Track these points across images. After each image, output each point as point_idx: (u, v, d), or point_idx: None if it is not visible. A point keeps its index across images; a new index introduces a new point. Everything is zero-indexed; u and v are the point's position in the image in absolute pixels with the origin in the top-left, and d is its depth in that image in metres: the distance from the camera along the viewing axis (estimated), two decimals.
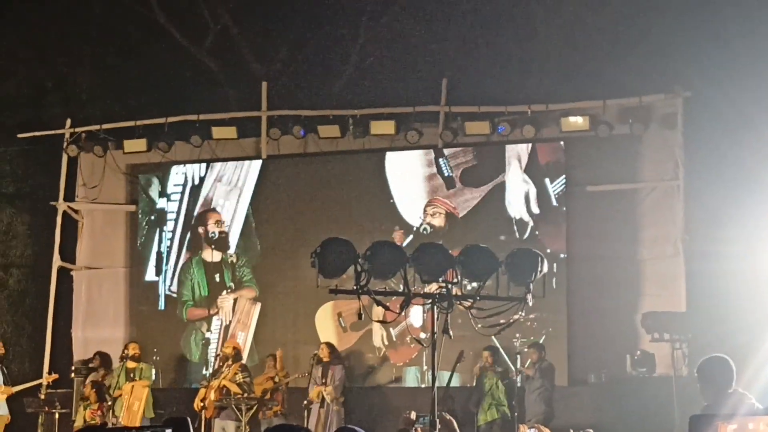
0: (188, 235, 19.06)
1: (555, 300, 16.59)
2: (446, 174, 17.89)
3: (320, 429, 16.18)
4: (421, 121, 18.10)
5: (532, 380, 15.97)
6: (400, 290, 8.90)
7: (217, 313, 18.76)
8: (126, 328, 19.25)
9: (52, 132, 19.68)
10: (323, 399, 16.23)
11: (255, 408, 16.23)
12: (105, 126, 19.22)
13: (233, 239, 18.84)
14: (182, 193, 19.11)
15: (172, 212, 19.17)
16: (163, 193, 19.21)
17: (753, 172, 15.72)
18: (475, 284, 9.15)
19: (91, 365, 17.68)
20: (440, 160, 17.92)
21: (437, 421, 8.64)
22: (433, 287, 8.91)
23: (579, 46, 20.67)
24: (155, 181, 19.27)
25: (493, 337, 16.31)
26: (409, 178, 18.13)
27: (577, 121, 17.27)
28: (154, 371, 17.96)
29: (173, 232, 19.11)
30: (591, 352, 16.90)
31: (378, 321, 9.48)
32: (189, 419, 4.88)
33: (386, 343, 17.75)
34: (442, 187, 17.90)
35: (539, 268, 8.87)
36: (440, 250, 9.00)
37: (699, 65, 17.50)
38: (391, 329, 17.62)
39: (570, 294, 17.05)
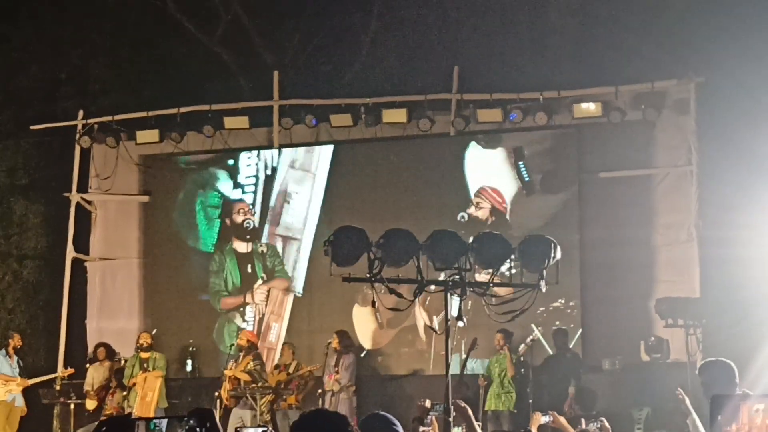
0: (266, 225, 18.97)
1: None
2: (526, 179, 17.74)
3: None
4: (433, 109, 18.09)
5: (555, 367, 16.04)
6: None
7: (250, 303, 18.73)
8: (140, 319, 19.29)
9: (65, 123, 19.73)
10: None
11: (269, 398, 16.29)
12: (117, 117, 19.26)
13: (310, 226, 18.69)
14: (255, 184, 19.08)
15: (241, 201, 19.17)
16: (236, 185, 19.18)
17: (766, 157, 15.67)
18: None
19: (97, 355, 17.81)
20: (519, 163, 17.74)
21: (451, 408, 8.63)
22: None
23: (591, 32, 20.59)
24: (224, 174, 19.24)
25: (532, 324, 16.46)
26: (488, 177, 17.99)
27: (590, 108, 17.24)
28: (187, 362, 18.12)
29: (252, 222, 19.07)
30: (605, 338, 16.91)
31: (391, 309, 9.48)
32: (214, 410, 4.89)
33: (439, 333, 17.63)
34: (522, 193, 17.73)
35: (552, 255, 8.85)
36: (453, 237, 8.98)
37: (712, 50, 17.43)
38: (434, 317, 17.44)
39: (583, 280, 17.04)
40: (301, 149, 18.94)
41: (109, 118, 19.29)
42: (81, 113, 19.47)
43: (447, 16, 22.12)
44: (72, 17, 22.23)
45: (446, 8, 22.17)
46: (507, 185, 17.81)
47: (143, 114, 19.07)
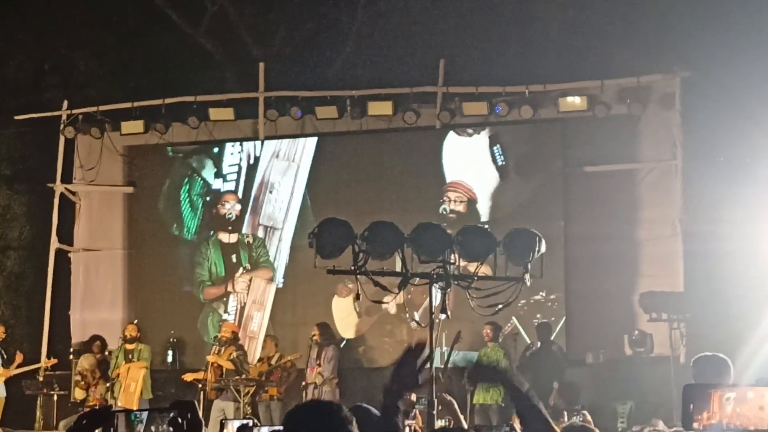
0: (247, 215, 18.93)
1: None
2: (499, 163, 17.71)
3: None
4: (418, 102, 18.07)
5: (536, 361, 16.06)
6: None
7: (232, 292, 18.71)
8: (124, 310, 19.25)
9: (50, 114, 19.64)
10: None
11: (251, 389, 16.29)
12: (102, 108, 19.17)
13: (292, 218, 18.63)
14: (238, 173, 19.03)
15: (230, 192, 19.11)
16: (219, 174, 19.14)
17: (751, 152, 15.72)
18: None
19: (92, 348, 17.75)
20: (494, 148, 17.70)
21: (435, 402, 8.64)
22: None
23: (577, 26, 20.62)
24: (209, 162, 19.20)
25: (514, 317, 16.50)
26: (464, 164, 17.95)
27: (575, 102, 17.25)
28: (168, 353, 18.03)
29: (234, 213, 18.98)
30: (589, 332, 16.92)
31: (374, 302, 9.49)
32: (195, 402, 4.87)
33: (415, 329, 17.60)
34: (494, 178, 17.69)
35: (537, 248, 8.87)
36: (438, 230, 9.00)
37: (697, 45, 17.47)
38: (415, 313, 17.46)
39: (568, 274, 17.06)
40: (286, 140, 18.90)
41: (94, 108, 19.20)
42: (66, 103, 19.39)
43: (433, 9, 22.12)
44: (57, 7, 22.14)
45: (432, 1, 22.16)
46: (485, 174, 17.82)
47: (128, 105, 19.00)
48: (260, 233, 18.85)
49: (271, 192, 18.80)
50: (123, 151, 19.61)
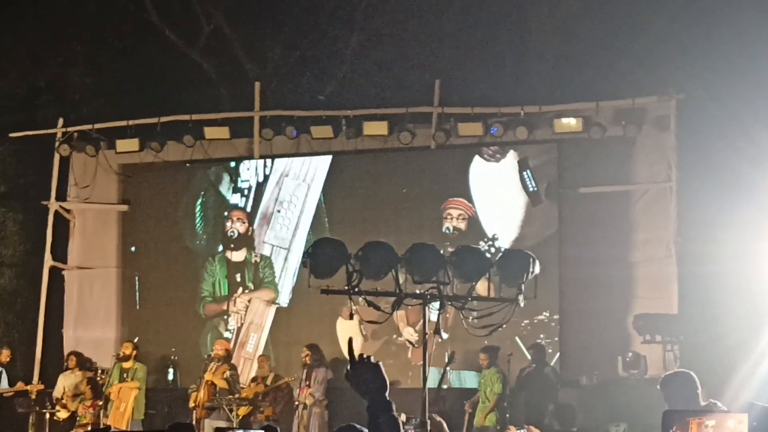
0: (256, 232, 18.80)
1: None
2: (530, 188, 17.58)
3: (302, 431, 16.19)
4: (414, 122, 18.07)
5: (530, 382, 16.03)
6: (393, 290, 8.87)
7: (232, 311, 18.63)
8: (117, 328, 19.19)
9: (45, 132, 19.65)
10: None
11: (245, 410, 16.24)
12: (97, 126, 19.19)
13: (301, 236, 18.48)
14: (248, 189, 18.90)
15: (239, 209, 19.00)
16: (236, 189, 19.04)
17: (745, 174, 15.72)
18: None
19: (67, 366, 17.68)
20: (524, 173, 17.56)
21: (428, 423, 8.61)
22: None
23: (572, 47, 20.66)
24: (226, 177, 19.13)
25: (517, 338, 16.46)
26: (492, 188, 17.79)
27: (570, 123, 17.25)
28: (168, 371, 17.96)
29: (236, 231, 18.93)
30: (583, 353, 16.89)
31: (369, 322, 9.46)
32: (194, 425, 4.88)
33: (417, 346, 17.50)
34: (528, 204, 17.47)
35: (531, 269, 8.85)
36: (432, 250, 8.97)
37: (692, 67, 17.51)
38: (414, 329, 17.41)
39: (562, 296, 17.04)
40: (298, 158, 18.82)
41: (89, 126, 19.22)
42: (61, 121, 19.40)
43: (429, 30, 22.16)
44: (52, 25, 22.16)
45: (428, 22, 22.21)
46: (511, 197, 17.70)
47: (123, 123, 19.00)
48: (266, 251, 18.71)
49: (279, 210, 18.69)
50: (118, 169, 19.60)
